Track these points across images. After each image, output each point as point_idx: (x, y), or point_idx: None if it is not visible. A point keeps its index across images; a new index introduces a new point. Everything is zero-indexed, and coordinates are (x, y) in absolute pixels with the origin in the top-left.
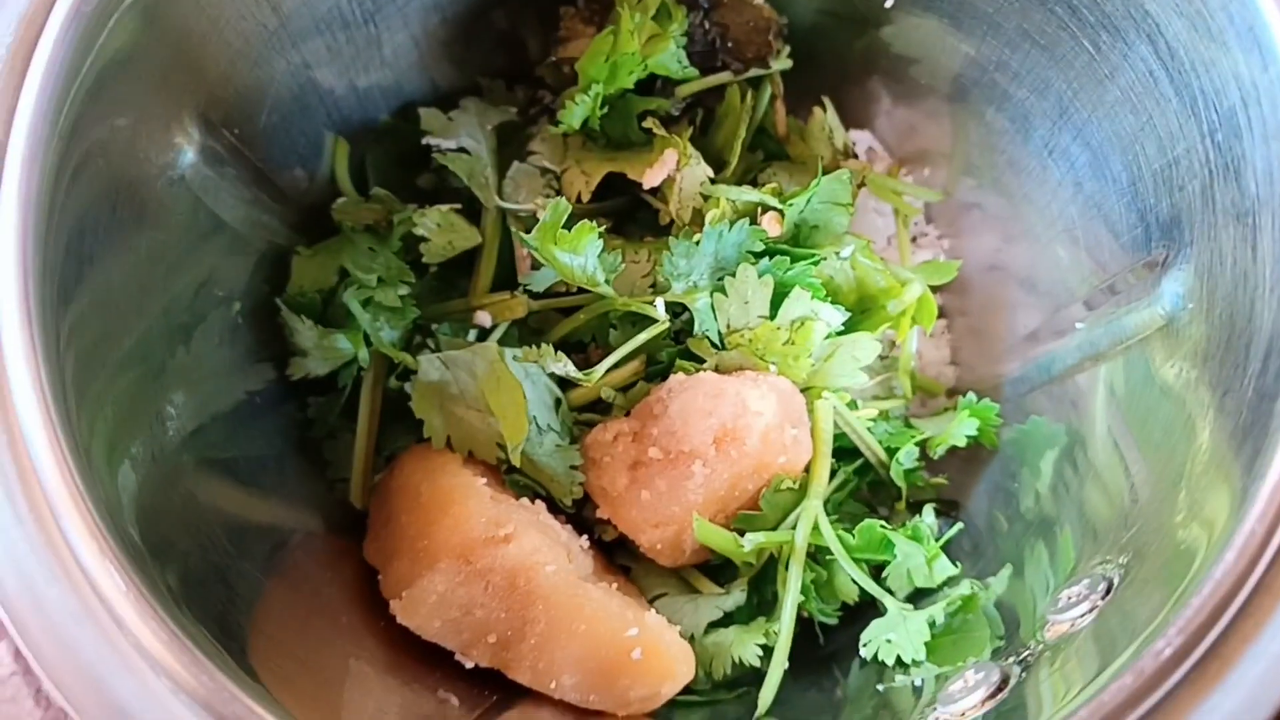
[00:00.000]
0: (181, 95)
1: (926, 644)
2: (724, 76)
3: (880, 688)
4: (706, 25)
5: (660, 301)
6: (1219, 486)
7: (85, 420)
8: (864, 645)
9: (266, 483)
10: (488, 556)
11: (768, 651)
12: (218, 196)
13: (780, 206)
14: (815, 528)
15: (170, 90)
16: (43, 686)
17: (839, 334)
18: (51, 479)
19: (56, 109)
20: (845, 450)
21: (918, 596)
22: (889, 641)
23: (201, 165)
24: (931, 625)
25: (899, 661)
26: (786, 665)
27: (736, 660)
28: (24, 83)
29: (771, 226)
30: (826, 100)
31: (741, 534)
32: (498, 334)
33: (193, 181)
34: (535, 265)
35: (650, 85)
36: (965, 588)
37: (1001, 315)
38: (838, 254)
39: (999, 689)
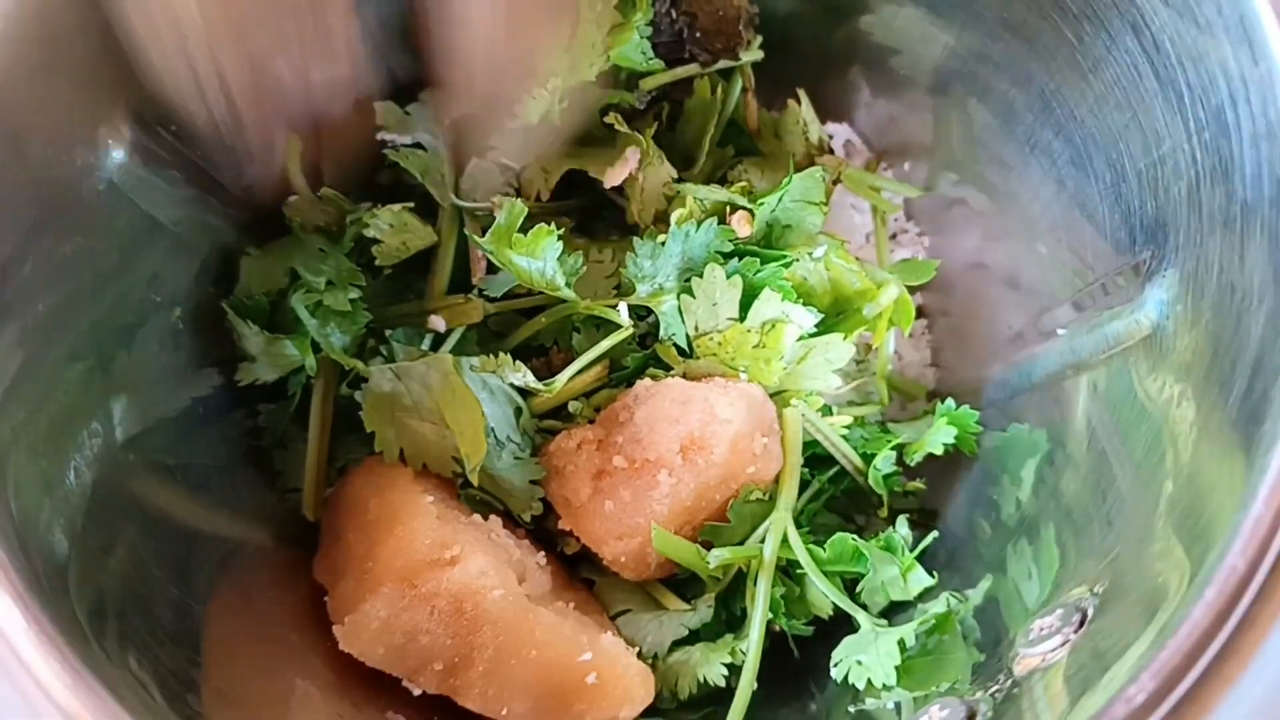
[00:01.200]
0: (111, 91)
1: (898, 667)
2: (692, 69)
3: (852, 709)
4: (674, 15)
5: (623, 306)
6: (1200, 514)
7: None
8: (835, 665)
9: (215, 493)
10: (432, 580)
11: (734, 670)
12: (153, 198)
13: (750, 206)
14: (785, 541)
15: (98, 86)
16: None
17: (811, 336)
18: None
19: None
20: (819, 458)
21: (893, 610)
22: (859, 664)
23: (135, 166)
24: (903, 647)
25: (869, 685)
26: (755, 686)
27: (701, 680)
28: None
29: (741, 226)
30: (801, 93)
31: (708, 547)
32: (453, 340)
33: (124, 183)
34: (492, 268)
35: (614, 78)
36: (941, 604)
37: (984, 316)
38: (810, 255)
39: None
